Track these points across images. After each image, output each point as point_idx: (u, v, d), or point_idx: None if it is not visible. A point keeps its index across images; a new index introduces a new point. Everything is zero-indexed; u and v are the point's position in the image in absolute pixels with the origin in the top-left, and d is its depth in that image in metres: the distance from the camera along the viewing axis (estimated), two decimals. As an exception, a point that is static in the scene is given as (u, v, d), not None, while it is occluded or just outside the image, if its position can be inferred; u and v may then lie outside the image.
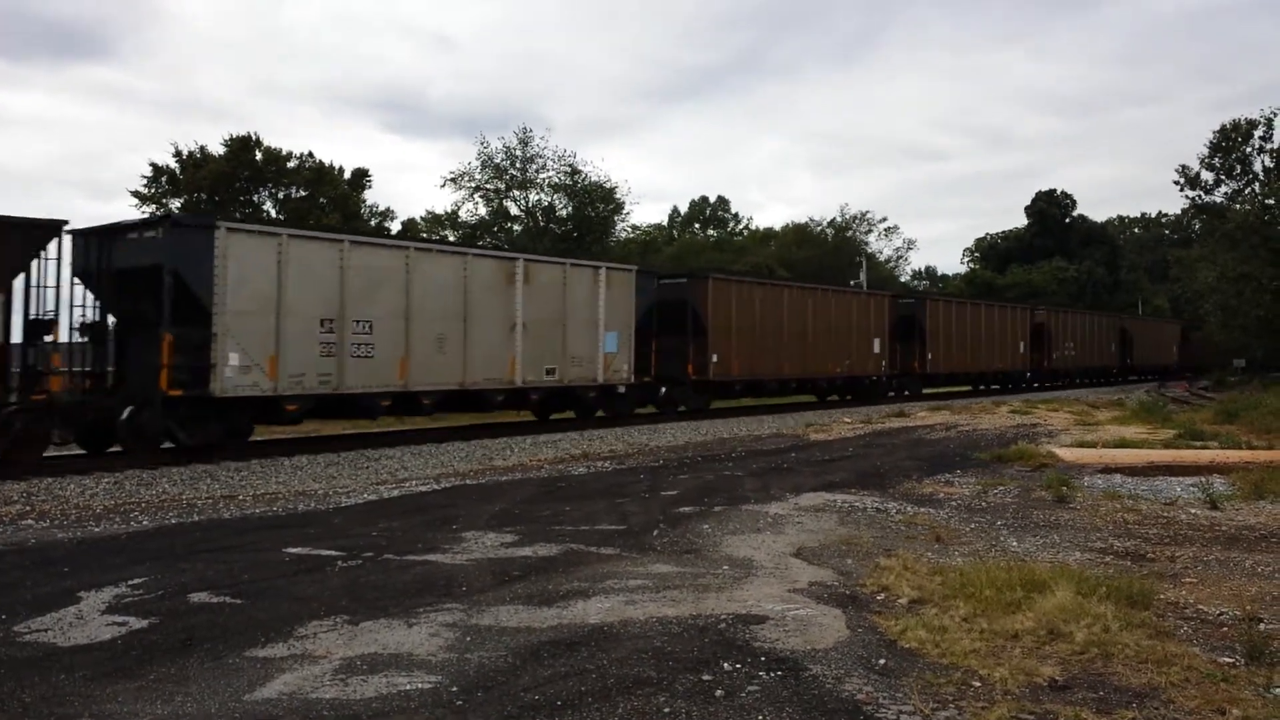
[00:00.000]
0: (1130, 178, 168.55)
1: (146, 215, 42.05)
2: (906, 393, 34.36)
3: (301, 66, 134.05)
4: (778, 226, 78.79)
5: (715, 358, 25.80)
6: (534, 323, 19.86)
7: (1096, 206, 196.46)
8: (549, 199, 53.63)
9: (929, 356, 35.19)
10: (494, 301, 19.14)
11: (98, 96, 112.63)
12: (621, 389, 22.38)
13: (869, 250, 73.09)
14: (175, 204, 45.22)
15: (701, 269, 30.52)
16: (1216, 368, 62.79)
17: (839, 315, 31.11)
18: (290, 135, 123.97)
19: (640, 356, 23.03)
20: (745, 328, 26.93)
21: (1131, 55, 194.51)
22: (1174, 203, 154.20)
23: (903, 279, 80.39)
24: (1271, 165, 41.95)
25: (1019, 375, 42.00)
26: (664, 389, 24.29)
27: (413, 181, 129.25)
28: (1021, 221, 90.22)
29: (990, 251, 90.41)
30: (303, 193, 47.50)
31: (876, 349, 32.63)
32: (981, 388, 40.57)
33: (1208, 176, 43.51)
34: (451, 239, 50.41)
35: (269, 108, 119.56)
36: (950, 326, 36.69)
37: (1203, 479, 12.27)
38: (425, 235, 50.14)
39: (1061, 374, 45.79)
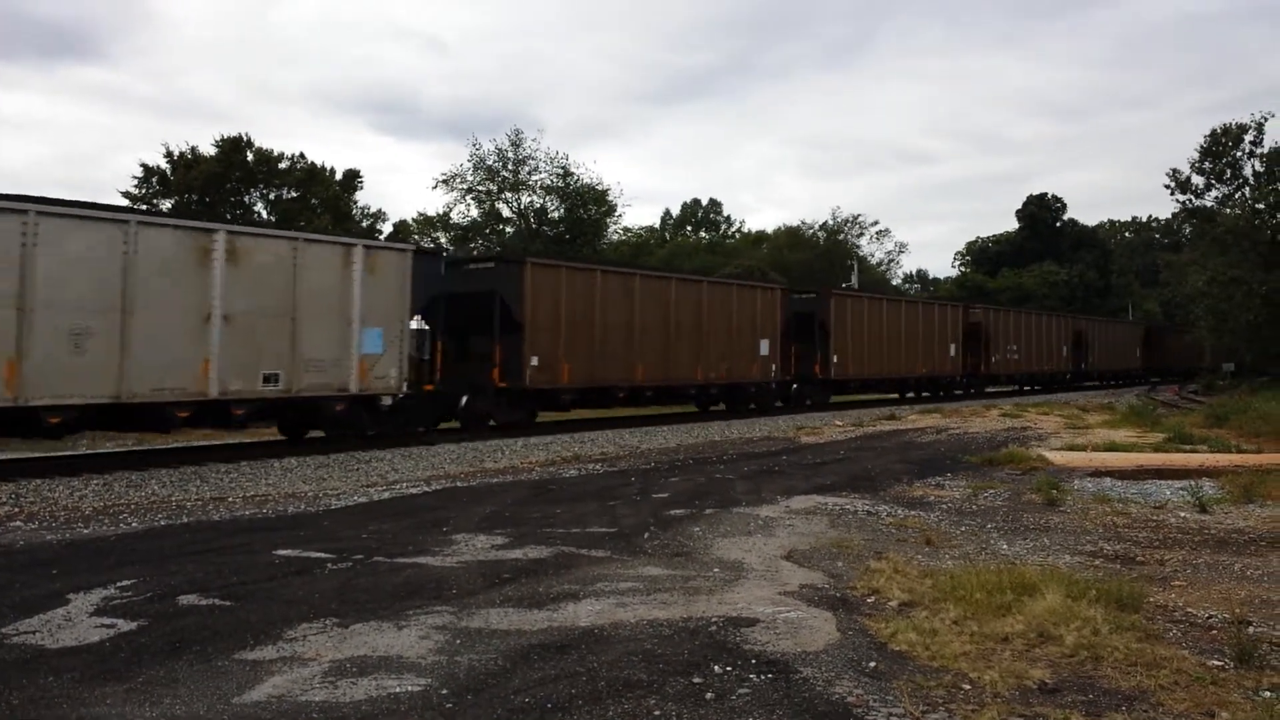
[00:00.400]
0: (1121, 182, 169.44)
1: None
2: (808, 401, 30.68)
3: (292, 68, 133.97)
4: (769, 229, 79.02)
5: (535, 360, 20.94)
6: (242, 315, 15.35)
7: (1087, 210, 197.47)
8: (541, 201, 53.65)
9: (834, 360, 31.16)
10: (177, 286, 14.67)
11: (88, 97, 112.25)
12: (388, 400, 17.75)
13: (860, 254, 73.26)
14: (165, 205, 45.12)
15: (516, 251, 28.13)
16: (1183, 372, 61.35)
17: (714, 310, 26.23)
18: (281, 136, 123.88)
19: (425, 360, 19.09)
20: (580, 324, 22.04)
21: (1122, 60, 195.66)
22: (1165, 207, 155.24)
23: (895, 282, 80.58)
24: (1262, 170, 42.11)
25: (950, 381, 38.77)
26: (465, 399, 20.35)
27: (404, 183, 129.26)
28: (1013, 225, 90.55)
29: (981, 255, 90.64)
30: (294, 194, 47.43)
31: (764, 350, 28.03)
32: (910, 395, 37.04)
33: (1198, 181, 43.61)
34: (443, 240, 50.40)
35: (260, 109, 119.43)
36: (862, 326, 32.77)
37: (1192, 482, 12.31)
38: (417, 238, 50.02)
39: (1003, 379, 42.90)
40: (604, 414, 25.11)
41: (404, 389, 17.94)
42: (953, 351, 38.32)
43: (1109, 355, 53.89)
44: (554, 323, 21.36)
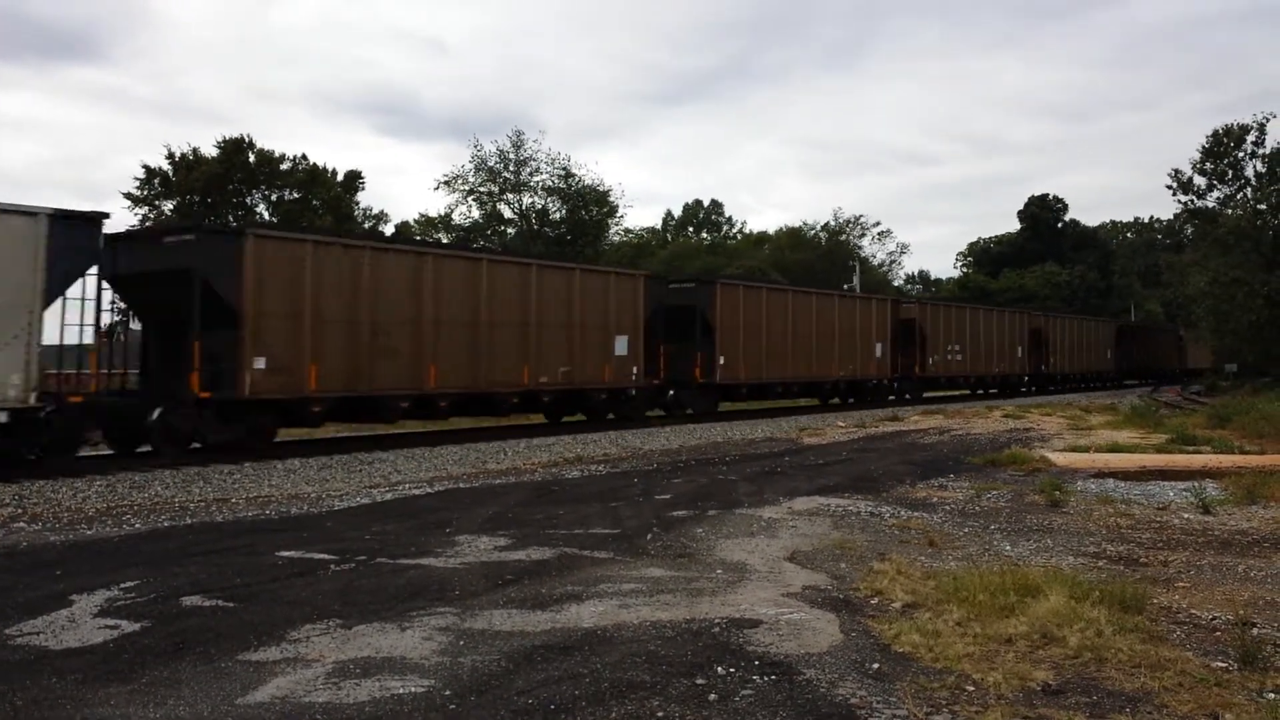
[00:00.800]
0: (1122, 182, 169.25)
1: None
2: (689, 410, 25.98)
3: (292, 69, 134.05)
4: (770, 230, 79.04)
5: (262, 363, 15.65)
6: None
7: (1089, 211, 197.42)
8: (543, 202, 53.68)
9: (720, 362, 26.50)
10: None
11: (88, 98, 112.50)
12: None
13: (862, 254, 73.28)
14: (168, 206, 45.17)
15: (219, 223, 23.50)
16: (1163, 374, 59.38)
17: (548, 301, 21.15)
18: (281, 138, 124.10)
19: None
20: (332, 318, 16.76)
21: (1122, 61, 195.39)
22: (1166, 207, 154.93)
23: (896, 283, 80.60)
24: (1264, 170, 42.06)
25: (877, 385, 34.35)
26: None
27: (405, 184, 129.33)
28: (1014, 226, 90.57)
29: (984, 256, 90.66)
30: (295, 195, 47.45)
31: (622, 349, 23.11)
32: (834, 402, 33.41)
33: (1200, 181, 43.53)
34: (445, 241, 50.43)
35: (260, 110, 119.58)
36: (759, 322, 28.20)
37: (1195, 483, 12.30)
38: (422, 239, 50.06)
39: (943, 382, 38.47)
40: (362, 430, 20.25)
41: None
42: (879, 352, 33.79)
43: (1075, 356, 49.46)
44: (279, 313, 16.05)
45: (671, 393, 25.60)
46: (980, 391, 41.90)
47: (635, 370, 23.64)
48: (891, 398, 34.70)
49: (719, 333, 26.46)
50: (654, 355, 24.52)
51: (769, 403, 30.21)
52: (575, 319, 22.07)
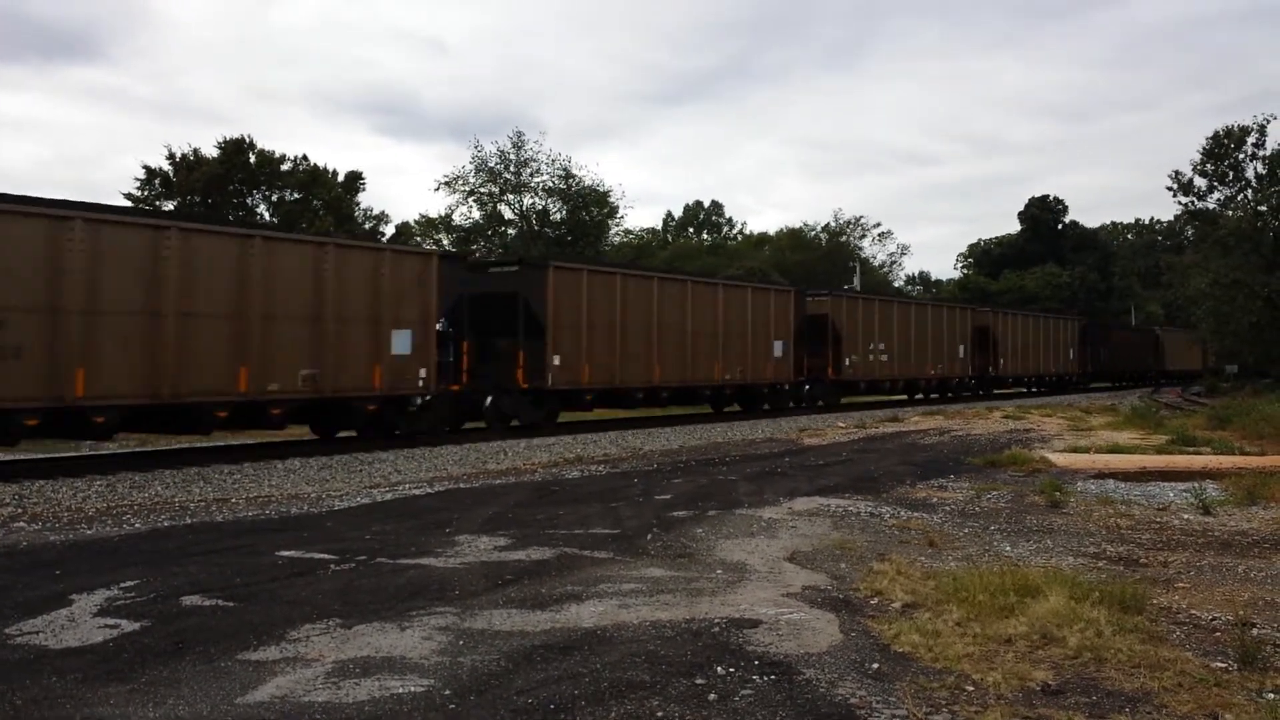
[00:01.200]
0: (1122, 183, 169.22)
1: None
2: (516, 422, 21.41)
3: (292, 69, 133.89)
4: (771, 231, 79.10)
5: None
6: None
7: (1089, 212, 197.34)
8: (543, 203, 53.70)
9: (554, 362, 21.39)
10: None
11: (88, 98, 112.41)
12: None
13: (863, 255, 73.33)
14: (168, 206, 45.20)
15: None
16: (1135, 376, 56.35)
17: (293, 282, 16.14)
18: (281, 138, 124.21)
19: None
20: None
21: (1122, 61, 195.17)
22: (1167, 208, 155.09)
23: (897, 284, 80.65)
24: (1264, 172, 42.06)
25: (775, 390, 29.12)
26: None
27: (405, 185, 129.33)
28: (1014, 227, 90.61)
29: (984, 257, 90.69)
30: (296, 196, 47.49)
31: (403, 348, 17.86)
32: (731, 410, 28.47)
33: (1200, 183, 43.53)
34: (445, 243, 50.48)
35: (260, 110, 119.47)
36: (610, 315, 22.96)
37: (1196, 484, 12.30)
38: (420, 240, 50.08)
39: (863, 386, 33.56)
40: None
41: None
42: (779, 351, 28.89)
43: (1031, 356, 44.91)
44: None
45: (490, 399, 20.73)
46: (916, 397, 37.54)
47: (423, 373, 18.39)
48: (791, 404, 30.19)
49: (552, 328, 21.33)
50: (456, 352, 20.14)
51: (627, 412, 25.22)
52: (329, 311, 16.68)
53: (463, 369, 20.19)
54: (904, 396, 37.10)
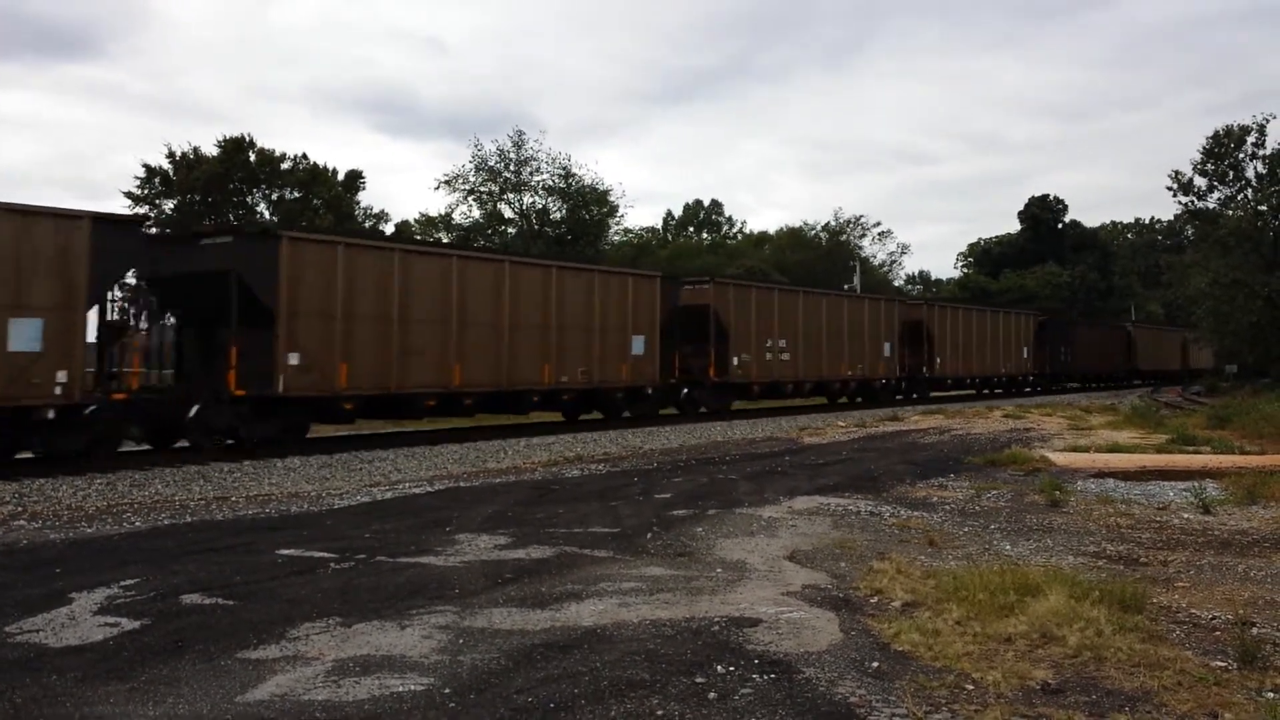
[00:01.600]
0: (1122, 182, 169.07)
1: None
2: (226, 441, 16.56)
3: (291, 68, 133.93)
4: (770, 230, 79.07)
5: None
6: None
7: (1089, 211, 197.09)
8: (543, 202, 53.67)
9: (287, 362, 16.52)
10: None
11: (86, 96, 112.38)
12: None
13: (863, 254, 73.30)
14: (169, 205, 45.18)
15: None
16: (1102, 379, 51.80)
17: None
18: (280, 136, 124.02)
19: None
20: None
21: (1120, 61, 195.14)
22: (1166, 207, 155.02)
23: (897, 283, 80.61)
24: (1264, 172, 42.05)
25: (634, 394, 24.37)
26: None
27: (402, 183, 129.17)
28: (1013, 226, 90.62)
29: (984, 256, 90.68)
30: (296, 194, 47.46)
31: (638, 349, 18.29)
32: (584, 419, 24.02)
33: (1200, 182, 43.49)
34: (445, 241, 50.46)
35: (259, 109, 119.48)
36: (383, 301, 18.25)
37: (1195, 483, 12.29)
38: (420, 238, 50.07)
39: (755, 390, 28.98)
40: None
41: None
42: (639, 349, 24.11)
43: (975, 354, 39.84)
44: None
45: (196, 408, 15.98)
46: (841, 401, 33.72)
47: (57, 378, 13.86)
48: (673, 410, 26.42)
49: (284, 318, 16.54)
50: (200, 355, 16.97)
51: (398, 424, 20.91)
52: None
53: (181, 370, 17.38)
54: (822, 400, 33.37)
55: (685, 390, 26.71)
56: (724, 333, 27.30)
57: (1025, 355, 43.95)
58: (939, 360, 37.22)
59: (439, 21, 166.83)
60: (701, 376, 26.95)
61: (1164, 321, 65.82)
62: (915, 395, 36.48)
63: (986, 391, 42.12)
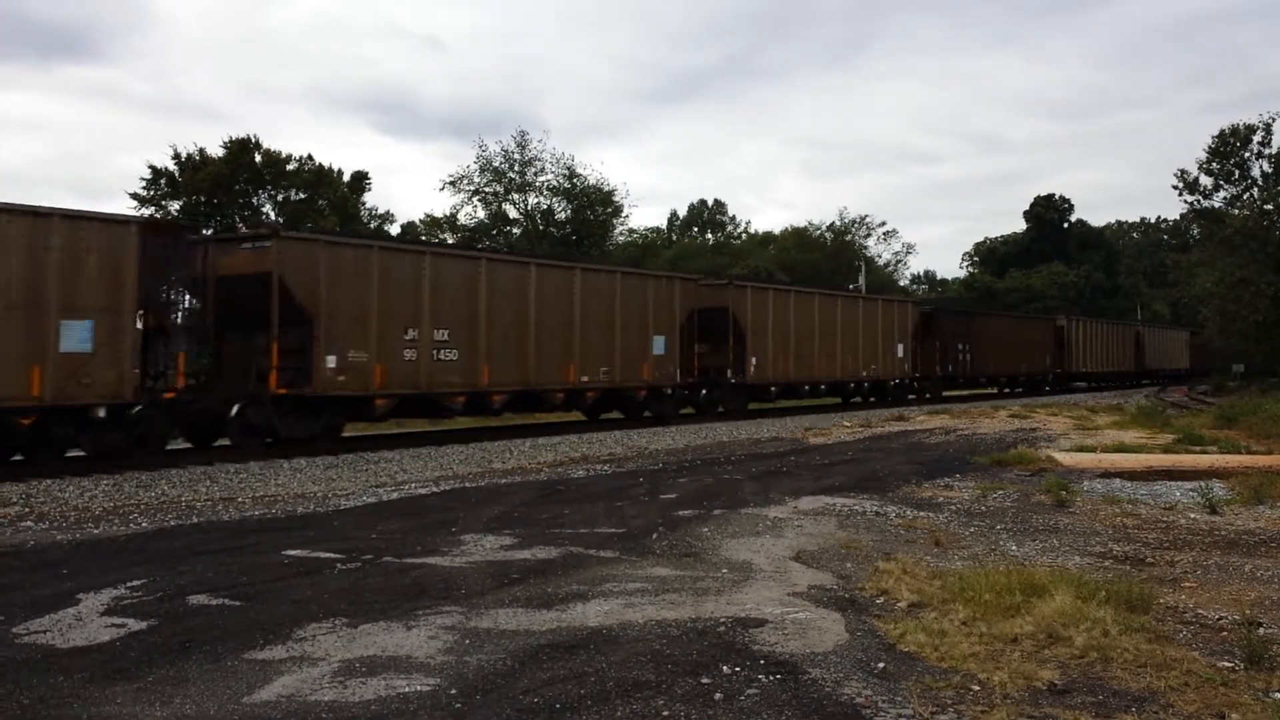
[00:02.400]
0: (1125, 181, 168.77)
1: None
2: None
3: (291, 68, 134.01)
4: (774, 230, 79.03)
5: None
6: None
7: (1094, 211, 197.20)
8: (548, 202, 53.70)
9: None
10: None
11: (87, 97, 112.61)
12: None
13: (868, 254, 73.22)
14: (174, 206, 45.27)
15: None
16: (1019, 382, 43.39)
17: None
18: (281, 136, 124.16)
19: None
20: None
21: (1123, 59, 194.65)
22: (1172, 207, 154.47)
23: (902, 284, 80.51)
24: (1270, 170, 41.97)
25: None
26: None
27: (404, 183, 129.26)
28: (1018, 224, 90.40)
29: (989, 256, 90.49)
30: (302, 195, 47.51)
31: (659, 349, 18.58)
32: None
33: (1206, 181, 43.45)
34: (450, 242, 50.51)
35: (259, 109, 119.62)
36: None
37: (1202, 483, 12.26)
38: (426, 239, 50.14)
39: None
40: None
41: None
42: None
43: (813, 353, 30.51)
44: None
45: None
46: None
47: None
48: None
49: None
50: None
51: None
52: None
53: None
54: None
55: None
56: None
57: (900, 354, 35.31)
58: (756, 359, 28.26)
59: (439, 21, 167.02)
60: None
61: (1117, 315, 63.91)
62: (696, 410, 27.11)
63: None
